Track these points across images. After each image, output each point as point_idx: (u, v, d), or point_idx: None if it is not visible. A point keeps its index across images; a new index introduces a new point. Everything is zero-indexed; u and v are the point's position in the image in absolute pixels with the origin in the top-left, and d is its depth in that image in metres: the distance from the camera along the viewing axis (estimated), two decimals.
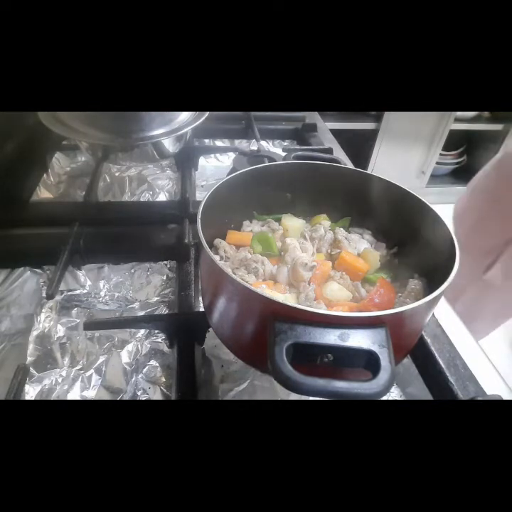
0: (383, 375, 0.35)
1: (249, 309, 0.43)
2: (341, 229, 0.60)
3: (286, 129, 1.12)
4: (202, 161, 1.00)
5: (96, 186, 0.86)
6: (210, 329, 0.55)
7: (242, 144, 1.08)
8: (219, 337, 0.51)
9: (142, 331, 0.60)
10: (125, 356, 0.57)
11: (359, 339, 0.36)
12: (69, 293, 0.66)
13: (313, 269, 0.51)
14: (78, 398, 0.53)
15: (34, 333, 0.59)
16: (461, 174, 2.81)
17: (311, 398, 0.44)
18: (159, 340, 0.60)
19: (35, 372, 0.54)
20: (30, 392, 0.53)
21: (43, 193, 0.88)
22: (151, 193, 0.91)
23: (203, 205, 0.49)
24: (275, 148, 1.07)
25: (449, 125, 2.49)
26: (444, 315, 0.62)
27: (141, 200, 0.90)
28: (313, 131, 1.10)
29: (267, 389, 0.55)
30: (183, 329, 0.58)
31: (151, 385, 0.55)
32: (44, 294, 0.61)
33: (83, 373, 0.55)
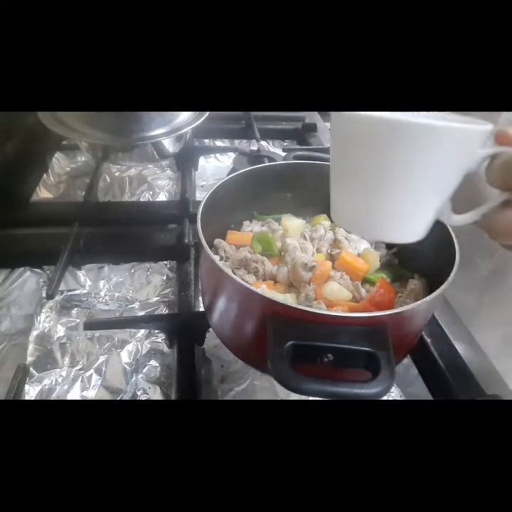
0: (383, 375, 0.35)
1: (249, 309, 0.43)
2: (341, 229, 0.59)
3: (286, 129, 1.12)
4: (202, 161, 1.00)
5: (96, 186, 0.86)
6: (210, 329, 0.55)
7: (242, 144, 1.07)
8: (219, 337, 0.51)
9: (142, 331, 0.60)
10: (125, 356, 0.57)
11: (359, 339, 0.36)
12: (69, 293, 0.66)
13: (313, 269, 0.51)
14: (78, 398, 0.53)
15: (34, 333, 0.59)
16: None
17: (311, 398, 0.44)
18: (159, 340, 0.60)
19: (35, 372, 0.54)
20: (30, 392, 0.52)
21: (43, 193, 0.88)
22: (151, 193, 0.91)
23: (202, 205, 0.49)
24: (275, 148, 1.07)
25: None
26: (444, 315, 0.62)
27: (141, 200, 0.90)
28: (313, 131, 1.10)
29: (267, 389, 0.55)
30: (183, 329, 0.58)
31: (151, 385, 0.55)
32: (44, 294, 0.61)
33: (83, 373, 0.55)
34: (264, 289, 0.49)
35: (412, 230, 0.33)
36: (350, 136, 0.31)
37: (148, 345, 0.59)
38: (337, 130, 0.33)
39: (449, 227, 0.48)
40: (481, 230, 0.32)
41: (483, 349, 0.59)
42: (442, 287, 0.41)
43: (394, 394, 0.57)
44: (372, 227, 0.34)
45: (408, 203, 0.31)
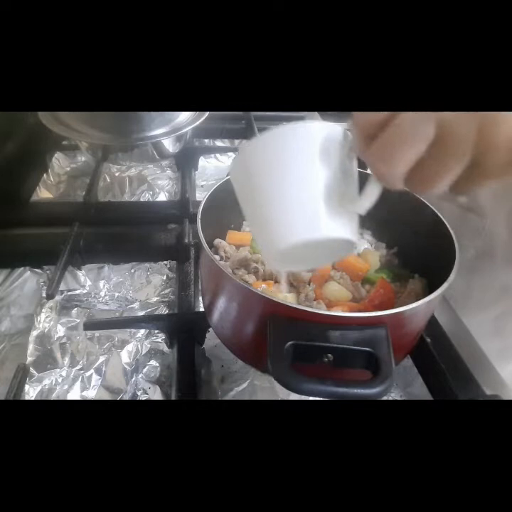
0: (383, 375, 0.35)
1: (249, 309, 0.43)
2: None
3: None
4: (202, 161, 1.00)
5: (96, 186, 0.86)
6: (210, 329, 0.55)
7: (242, 144, 1.08)
8: (219, 337, 0.51)
9: (142, 331, 0.60)
10: (125, 356, 0.57)
11: (359, 339, 0.36)
12: (69, 293, 0.66)
13: (313, 269, 0.51)
14: (78, 398, 0.53)
15: (34, 333, 0.59)
16: None
17: (311, 398, 0.44)
18: (159, 340, 0.60)
19: (35, 372, 0.54)
20: (30, 392, 0.52)
21: (43, 193, 0.88)
22: (151, 193, 0.91)
23: (202, 205, 0.49)
24: None
25: None
26: (444, 315, 0.62)
27: (141, 200, 0.90)
28: None
29: (267, 389, 0.55)
30: (183, 329, 0.58)
31: (151, 385, 0.55)
32: (44, 294, 0.61)
33: (83, 373, 0.55)
34: (264, 289, 0.49)
35: (322, 224, 0.34)
36: (242, 172, 0.35)
37: (148, 345, 0.59)
38: (234, 180, 0.36)
39: (448, 226, 0.48)
40: (467, 212, 0.33)
41: (472, 332, 0.59)
42: (442, 287, 0.41)
43: (394, 394, 0.57)
44: (286, 234, 0.33)
45: (301, 202, 0.33)
